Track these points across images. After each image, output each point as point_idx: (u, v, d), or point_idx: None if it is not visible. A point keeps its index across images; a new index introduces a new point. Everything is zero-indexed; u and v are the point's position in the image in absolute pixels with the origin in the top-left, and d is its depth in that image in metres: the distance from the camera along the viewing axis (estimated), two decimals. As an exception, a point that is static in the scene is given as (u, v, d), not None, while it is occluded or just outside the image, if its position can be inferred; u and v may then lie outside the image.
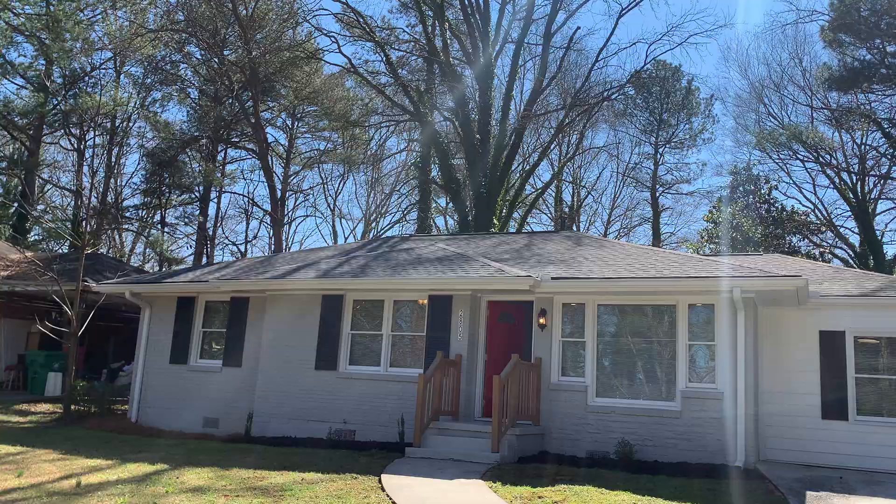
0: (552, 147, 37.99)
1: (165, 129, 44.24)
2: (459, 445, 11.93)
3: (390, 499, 8.52)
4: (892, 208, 40.97)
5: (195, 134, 44.03)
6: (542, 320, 13.37)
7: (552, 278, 12.89)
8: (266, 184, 31.11)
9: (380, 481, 9.52)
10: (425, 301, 14.19)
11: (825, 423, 12.30)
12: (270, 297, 15.47)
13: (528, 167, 35.82)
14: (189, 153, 44.64)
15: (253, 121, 33.75)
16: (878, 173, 38.33)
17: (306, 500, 8.57)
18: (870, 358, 12.52)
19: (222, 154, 46.27)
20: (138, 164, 45.15)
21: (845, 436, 12.10)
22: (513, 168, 35.60)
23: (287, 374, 14.91)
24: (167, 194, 45.86)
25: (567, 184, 45.57)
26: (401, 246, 17.41)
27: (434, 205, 38.12)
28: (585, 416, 12.78)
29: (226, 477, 10.04)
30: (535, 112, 31.98)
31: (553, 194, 46.53)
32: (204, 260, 41.49)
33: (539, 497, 8.83)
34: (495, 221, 30.17)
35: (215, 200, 47.73)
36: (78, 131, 42.36)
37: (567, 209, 48.34)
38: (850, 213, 39.95)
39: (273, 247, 38.01)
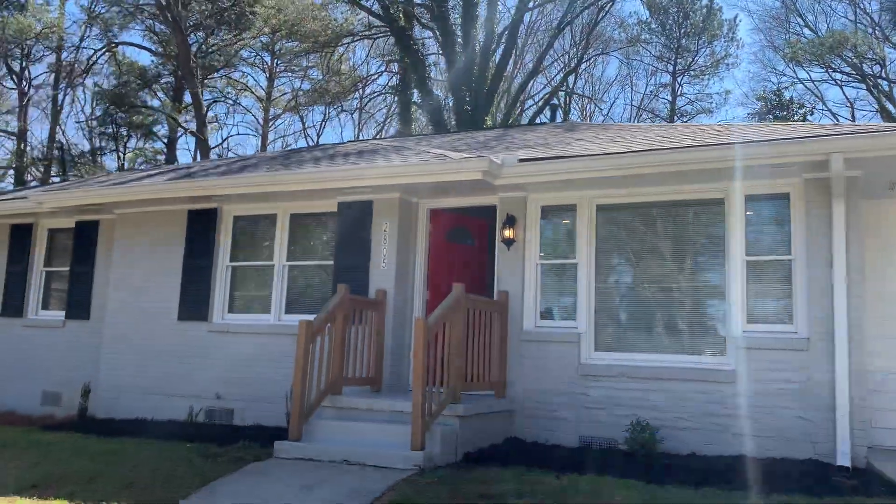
0: (549, 62, 32.54)
1: (124, 64, 39.06)
2: (368, 436, 7.13)
3: None
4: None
5: (160, 71, 39.15)
6: (508, 233, 8.42)
7: (520, 161, 7.88)
8: (190, 93, 26.27)
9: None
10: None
11: None
12: (120, 219, 10.62)
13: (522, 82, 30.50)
14: (154, 93, 39.82)
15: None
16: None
17: None
18: None
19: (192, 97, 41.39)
20: (93, 104, 40.10)
21: None
22: (504, 88, 30.37)
23: (142, 328, 10.14)
24: (126, 137, 41.21)
25: (576, 103, 39.91)
26: (328, 150, 12.42)
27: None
28: (578, 382, 7.92)
29: None
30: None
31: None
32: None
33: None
34: (483, 145, 25.04)
35: (188, 149, 43.15)
36: (19, 66, 37.72)
37: (574, 144, 43.05)
38: None
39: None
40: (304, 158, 10.37)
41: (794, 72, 39.79)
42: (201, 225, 9.96)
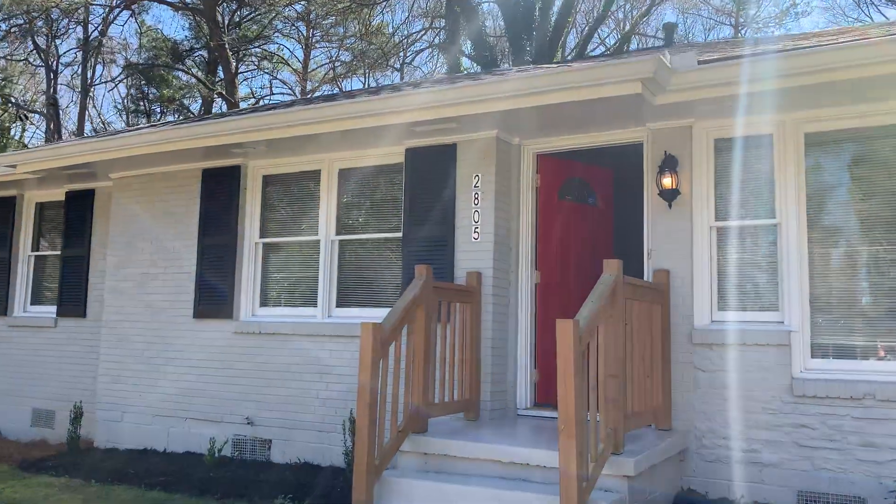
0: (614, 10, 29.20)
1: (154, 38, 37.03)
2: (474, 500, 4.48)
3: None
4: None
5: (192, 45, 37.02)
6: (667, 181, 5.59)
7: (700, 63, 5.04)
8: (215, 48, 23.84)
9: None
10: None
11: None
12: (118, 186, 8.09)
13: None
14: (184, 67, 37.67)
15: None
16: None
17: None
18: None
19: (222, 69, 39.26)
20: (121, 79, 38.09)
21: None
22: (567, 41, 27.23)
23: (149, 328, 7.62)
24: (160, 115, 39.44)
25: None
26: (384, 87, 9.68)
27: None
28: (790, 406, 5.12)
29: None
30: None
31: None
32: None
33: None
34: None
35: (223, 123, 40.94)
36: (44, 42, 35.84)
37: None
38: None
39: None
40: (355, 94, 7.67)
41: (871, 17, 35.73)
42: (221, 188, 7.36)
